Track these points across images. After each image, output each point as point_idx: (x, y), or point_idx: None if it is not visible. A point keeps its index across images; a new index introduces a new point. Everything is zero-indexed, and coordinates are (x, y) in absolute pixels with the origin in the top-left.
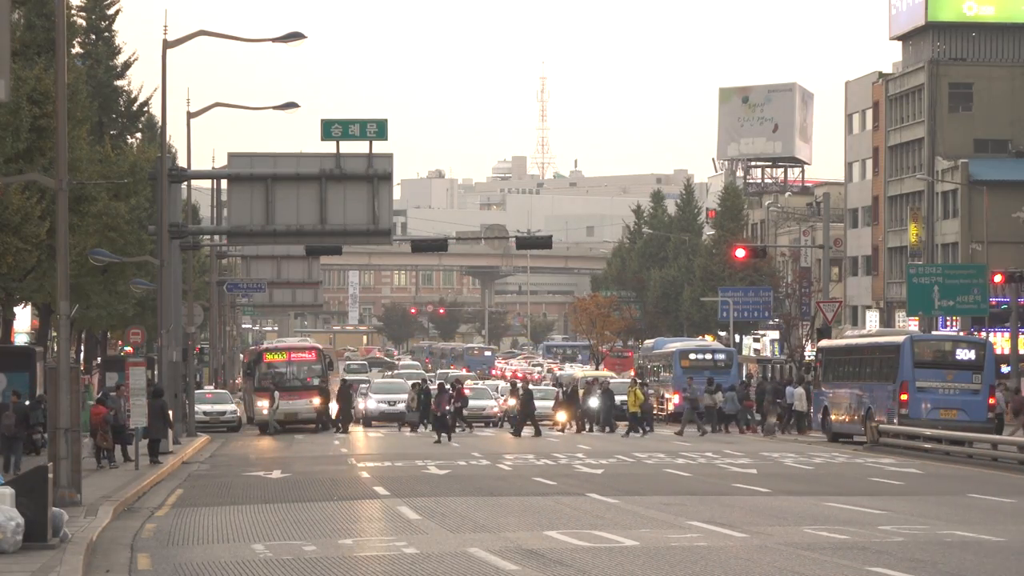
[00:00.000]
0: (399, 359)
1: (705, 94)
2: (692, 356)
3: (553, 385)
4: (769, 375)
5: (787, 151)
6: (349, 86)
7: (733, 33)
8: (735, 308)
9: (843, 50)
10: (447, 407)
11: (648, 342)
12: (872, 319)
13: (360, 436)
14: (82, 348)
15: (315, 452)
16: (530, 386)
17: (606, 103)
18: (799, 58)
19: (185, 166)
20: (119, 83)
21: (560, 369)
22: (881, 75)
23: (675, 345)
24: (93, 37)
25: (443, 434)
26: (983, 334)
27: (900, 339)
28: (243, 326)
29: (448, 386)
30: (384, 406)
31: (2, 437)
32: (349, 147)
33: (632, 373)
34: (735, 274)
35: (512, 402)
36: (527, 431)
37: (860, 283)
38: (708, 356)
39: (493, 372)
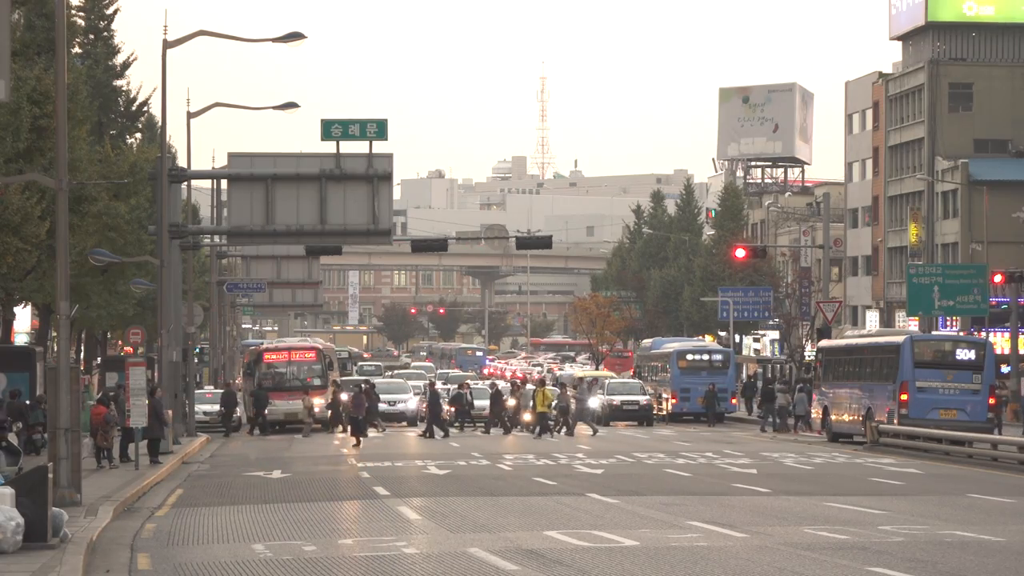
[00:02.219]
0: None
1: (705, 94)
2: (689, 357)
3: (553, 384)
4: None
5: (787, 151)
6: (349, 86)
7: (733, 33)
8: (735, 308)
9: (843, 50)
10: (363, 409)
11: (646, 342)
12: (872, 319)
13: None
14: (82, 348)
15: (315, 452)
16: (436, 385)
17: (606, 103)
18: (799, 58)
19: (185, 166)
20: (118, 83)
21: (560, 369)
22: (881, 75)
23: (673, 345)
24: (92, 37)
25: (358, 436)
26: (983, 334)
27: (900, 339)
28: (243, 326)
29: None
30: (385, 406)
31: None
32: (349, 147)
33: (556, 375)
34: (735, 274)
35: (512, 402)
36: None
37: (860, 283)
38: (705, 357)
39: (485, 372)
